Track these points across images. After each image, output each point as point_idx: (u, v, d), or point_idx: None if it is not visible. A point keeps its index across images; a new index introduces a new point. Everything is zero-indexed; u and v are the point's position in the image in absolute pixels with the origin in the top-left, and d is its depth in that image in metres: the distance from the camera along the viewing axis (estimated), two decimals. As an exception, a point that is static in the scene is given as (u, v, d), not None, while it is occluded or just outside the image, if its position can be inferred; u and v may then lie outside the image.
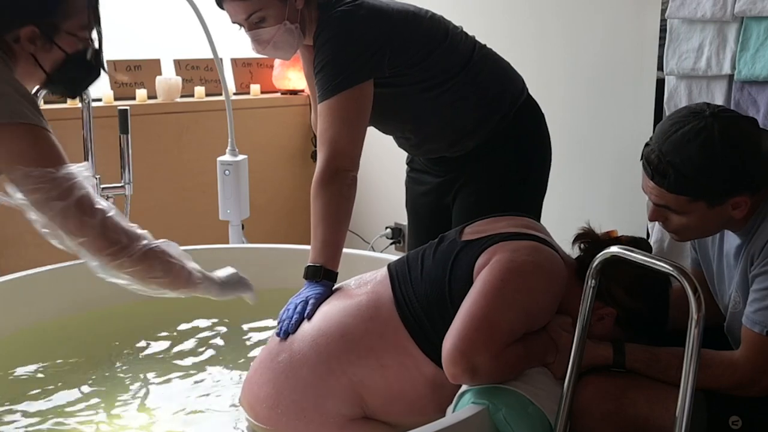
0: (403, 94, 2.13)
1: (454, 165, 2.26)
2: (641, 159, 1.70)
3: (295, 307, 1.87)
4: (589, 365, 1.70)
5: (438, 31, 2.15)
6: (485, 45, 2.26)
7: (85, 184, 1.60)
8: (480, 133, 2.19)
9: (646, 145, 1.69)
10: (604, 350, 1.72)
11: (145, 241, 1.68)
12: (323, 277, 1.94)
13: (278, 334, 1.85)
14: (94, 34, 1.73)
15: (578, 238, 1.84)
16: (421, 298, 1.77)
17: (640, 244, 1.80)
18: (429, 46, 2.12)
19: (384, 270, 1.90)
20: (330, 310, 1.84)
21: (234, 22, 2.08)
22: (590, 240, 1.82)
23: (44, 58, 1.67)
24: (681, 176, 1.62)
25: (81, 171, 1.60)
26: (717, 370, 1.65)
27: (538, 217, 2.26)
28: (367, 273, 1.94)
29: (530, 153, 2.28)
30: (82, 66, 1.73)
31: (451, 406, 1.70)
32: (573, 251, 1.85)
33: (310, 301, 1.87)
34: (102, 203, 1.63)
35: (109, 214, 1.62)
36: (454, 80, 2.15)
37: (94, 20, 1.72)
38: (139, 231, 1.69)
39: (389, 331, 1.76)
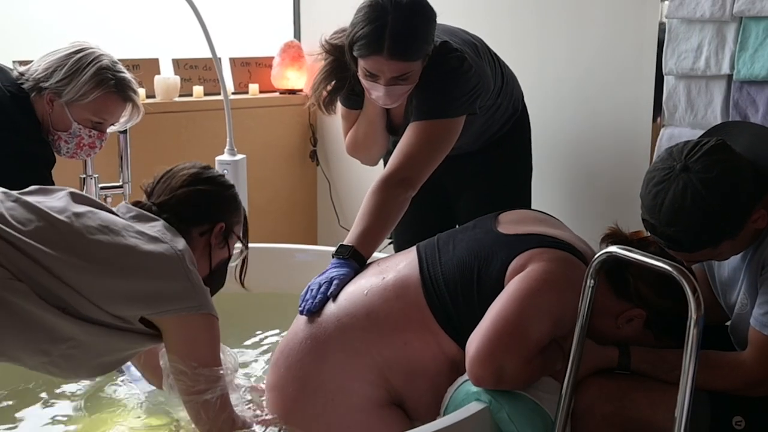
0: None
1: (463, 158, 2.35)
2: (648, 233, 1.72)
3: (319, 287, 1.87)
4: (595, 367, 1.71)
5: (491, 56, 2.31)
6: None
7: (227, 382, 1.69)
8: (500, 132, 2.37)
9: (644, 219, 1.69)
10: (610, 351, 1.72)
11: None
12: (351, 255, 1.95)
13: (302, 312, 1.85)
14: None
15: (606, 238, 1.84)
16: (448, 280, 1.79)
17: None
18: (495, 75, 2.28)
19: (412, 250, 1.91)
20: (355, 290, 1.84)
21: (372, 75, 2.08)
22: (618, 240, 1.81)
23: (216, 255, 1.79)
24: (693, 238, 1.63)
25: (233, 363, 1.73)
26: (724, 370, 1.66)
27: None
28: (395, 254, 1.96)
29: (528, 150, 2.52)
30: (225, 270, 1.85)
31: (452, 387, 1.71)
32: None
33: (335, 282, 1.87)
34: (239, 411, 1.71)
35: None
36: (498, 92, 2.31)
37: (245, 233, 1.86)
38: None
39: (414, 310, 1.77)
